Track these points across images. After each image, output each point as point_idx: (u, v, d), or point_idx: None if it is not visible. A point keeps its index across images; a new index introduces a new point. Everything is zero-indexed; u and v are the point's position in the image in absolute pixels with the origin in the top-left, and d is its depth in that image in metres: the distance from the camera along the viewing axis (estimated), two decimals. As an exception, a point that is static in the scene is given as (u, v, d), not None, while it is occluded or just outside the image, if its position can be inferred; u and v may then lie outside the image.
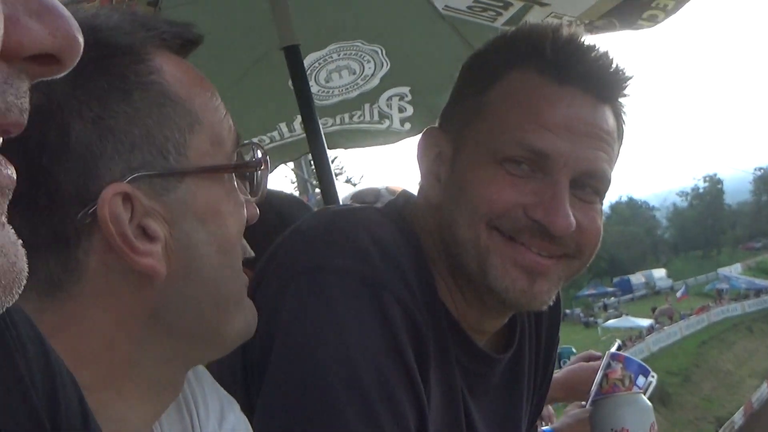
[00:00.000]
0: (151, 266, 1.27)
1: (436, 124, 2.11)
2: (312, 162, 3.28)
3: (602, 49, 1.90)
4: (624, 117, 1.96)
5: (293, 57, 3.11)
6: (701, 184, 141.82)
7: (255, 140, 4.05)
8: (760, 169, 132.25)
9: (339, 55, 3.80)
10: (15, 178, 0.66)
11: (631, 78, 1.94)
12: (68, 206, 1.26)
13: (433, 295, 1.91)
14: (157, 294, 1.32)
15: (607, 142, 1.88)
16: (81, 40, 0.65)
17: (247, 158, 1.47)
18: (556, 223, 1.78)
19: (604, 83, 1.89)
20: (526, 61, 1.90)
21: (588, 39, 1.92)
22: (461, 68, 2.09)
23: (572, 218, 1.79)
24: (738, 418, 47.70)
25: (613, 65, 1.89)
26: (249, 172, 1.45)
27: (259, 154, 1.49)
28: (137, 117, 1.30)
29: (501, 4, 3.25)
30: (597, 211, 1.91)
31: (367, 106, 4.02)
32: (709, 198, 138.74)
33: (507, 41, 2.03)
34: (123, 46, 1.30)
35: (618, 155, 1.94)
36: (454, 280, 1.97)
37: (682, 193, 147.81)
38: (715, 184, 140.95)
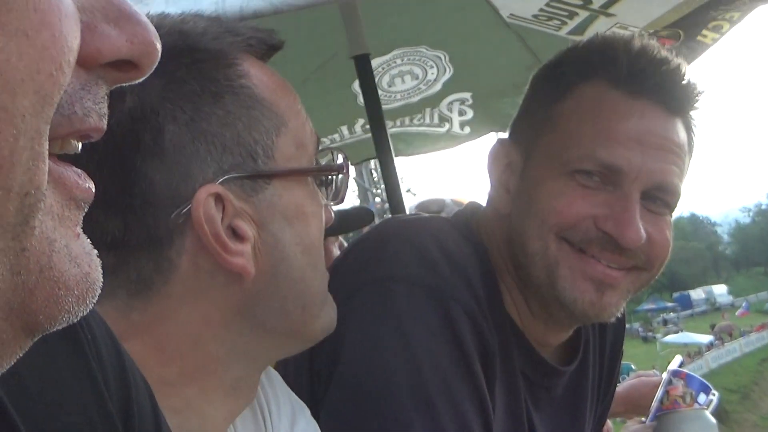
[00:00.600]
0: (242, 266, 1.29)
1: (506, 135, 2.11)
2: (373, 170, 3.27)
3: (674, 62, 1.89)
4: (694, 130, 1.95)
5: (363, 65, 3.14)
6: (765, 201, 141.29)
7: (325, 143, 4.06)
8: None
9: (403, 60, 3.82)
10: (94, 191, 0.65)
11: (702, 92, 1.92)
12: (162, 207, 1.28)
13: (500, 307, 1.92)
14: (244, 293, 1.34)
15: (678, 155, 1.87)
16: (159, 46, 0.66)
17: (325, 162, 1.50)
18: (627, 235, 1.78)
19: (676, 96, 1.88)
20: (599, 74, 1.90)
21: (660, 51, 1.90)
22: (531, 79, 2.09)
23: (643, 231, 1.79)
24: None
25: (685, 78, 1.88)
26: (330, 176, 1.46)
27: (341, 159, 1.51)
28: (228, 120, 1.32)
29: (566, 13, 3.24)
30: (667, 223, 1.90)
31: (428, 110, 4.02)
32: None
33: (579, 53, 2.03)
34: (213, 51, 1.33)
35: (688, 168, 1.93)
36: (520, 292, 1.97)
37: (745, 210, 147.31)
38: None
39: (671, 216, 1.95)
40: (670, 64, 1.88)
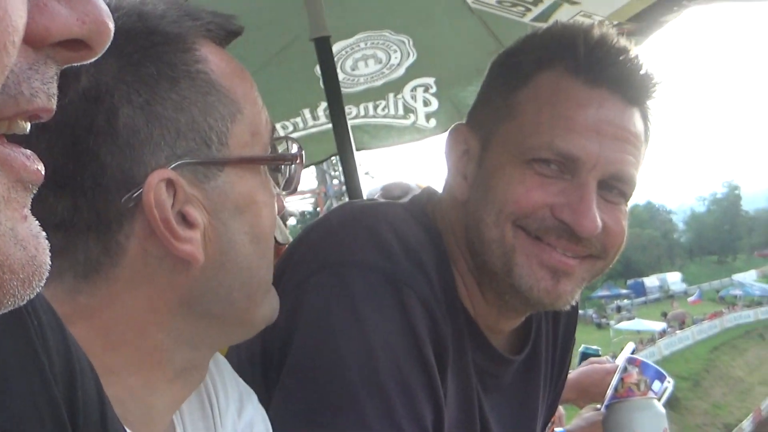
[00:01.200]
0: (191, 253, 1.29)
1: (464, 122, 2.12)
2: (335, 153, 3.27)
3: (633, 52, 1.91)
4: (651, 120, 1.98)
5: (323, 48, 3.15)
6: (720, 190, 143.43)
7: (278, 125, 4.03)
8: None
9: (366, 44, 3.82)
10: (43, 173, 0.65)
11: (660, 82, 1.94)
12: (113, 189, 1.27)
13: (453, 293, 1.93)
14: (191, 280, 1.34)
15: (635, 145, 1.90)
16: (112, 26, 0.66)
17: (281, 150, 1.50)
18: (583, 224, 1.80)
19: (633, 86, 1.90)
20: (557, 62, 1.91)
21: (619, 41, 1.92)
22: (490, 66, 2.10)
23: (599, 220, 1.81)
24: (747, 425, 48.43)
25: (643, 68, 1.90)
26: (284, 165, 1.48)
27: (295, 148, 1.50)
28: (184, 105, 1.32)
29: (533, 2, 3.26)
30: (622, 212, 1.93)
31: (391, 95, 4.04)
32: (726, 204, 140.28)
33: (538, 41, 2.04)
34: (171, 35, 1.33)
35: (644, 158, 1.96)
36: (474, 279, 1.99)
37: (701, 199, 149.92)
38: (732, 191, 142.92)
39: (627, 205, 1.98)
40: (629, 54, 1.90)
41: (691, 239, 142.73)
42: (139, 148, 1.28)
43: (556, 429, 3.10)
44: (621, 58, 1.89)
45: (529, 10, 3.32)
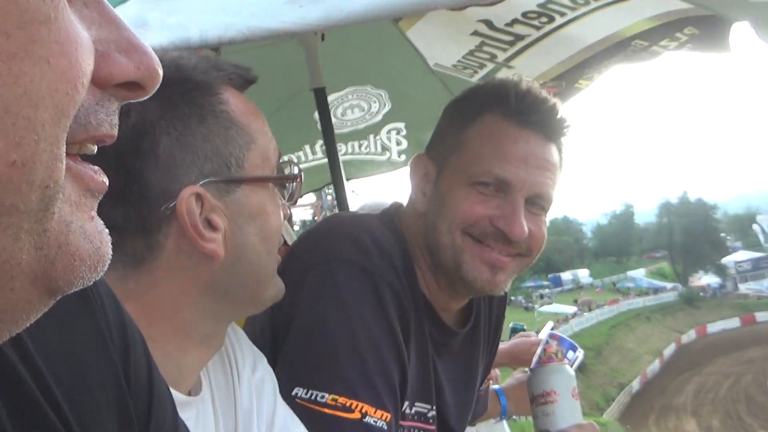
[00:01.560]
0: (214, 250, 1.43)
1: (424, 152, 2.28)
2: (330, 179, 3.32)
3: (551, 101, 2.10)
4: (564, 152, 2.16)
5: (321, 97, 3.29)
6: (618, 208, 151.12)
7: (285, 158, 4.26)
8: (663, 198, 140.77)
9: (353, 96, 4.05)
10: (107, 184, 0.69)
11: (571, 124, 2.13)
12: (154, 201, 1.40)
13: (414, 283, 2.09)
14: (214, 270, 1.47)
15: (552, 171, 2.08)
16: (161, 72, 0.71)
17: (287, 172, 1.62)
18: (514, 231, 2.00)
19: (551, 127, 2.09)
20: (495, 109, 2.07)
21: (541, 92, 2.11)
22: (443, 110, 2.26)
23: (526, 228, 2.01)
24: (635, 384, 50.01)
25: (559, 114, 2.10)
26: (287, 183, 1.60)
27: (296, 170, 1.64)
28: (210, 136, 1.44)
29: (477, 64, 3.41)
30: (543, 222, 2.11)
31: (371, 136, 4.31)
32: (623, 218, 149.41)
33: (481, 91, 2.21)
34: (201, 83, 1.45)
35: (559, 181, 2.14)
36: (431, 272, 2.15)
37: (605, 215, 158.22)
38: (628, 208, 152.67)
39: (546, 216, 2.13)
40: (548, 103, 2.08)
41: (596, 244, 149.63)
42: (175, 170, 1.40)
43: (493, 386, 3.32)
44: (543, 106, 2.07)
45: (476, 72, 3.49)
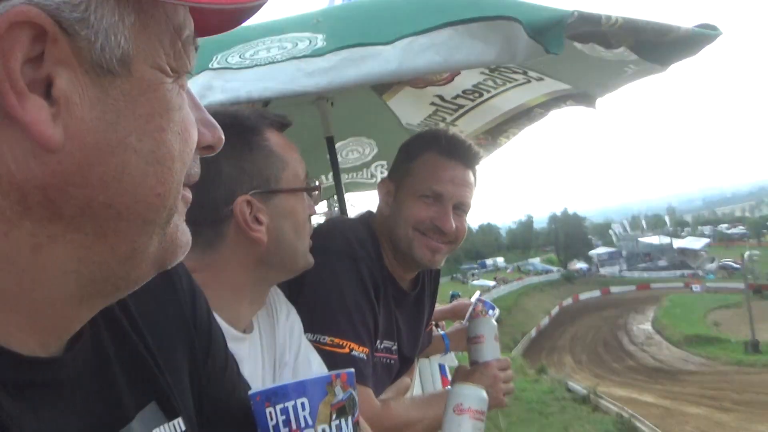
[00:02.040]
0: (260, 238, 1.41)
1: (387, 176, 2.22)
2: (335, 195, 3.34)
3: (468, 142, 2.08)
4: (476, 176, 2.11)
5: (330, 143, 3.20)
6: (523, 218, 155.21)
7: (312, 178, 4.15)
8: (551, 212, 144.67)
9: (353, 144, 3.95)
10: (191, 198, 0.69)
11: (482, 156, 2.13)
12: (220, 206, 1.38)
13: (382, 263, 2.06)
14: (261, 251, 1.44)
15: (470, 188, 2.07)
16: (223, 137, 0.72)
17: (311, 185, 1.56)
18: (446, 227, 2.01)
19: (470, 159, 2.06)
20: (432, 147, 2.04)
21: (461, 136, 2.11)
22: (399, 148, 2.18)
23: (453, 224, 2.02)
24: (533, 333, 51.13)
25: (474, 149, 2.07)
26: (311, 193, 1.54)
27: (317, 183, 1.60)
28: (255, 162, 1.42)
29: (434, 123, 3.27)
30: (464, 220, 2.09)
31: (365, 169, 4.17)
32: (526, 224, 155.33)
33: (421, 136, 2.18)
34: (249, 126, 1.43)
35: (475, 194, 2.11)
36: (392, 254, 2.10)
37: (514, 222, 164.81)
38: (529, 218, 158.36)
39: (466, 216, 2.10)
40: (466, 143, 2.06)
41: (508, 241, 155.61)
42: (232, 185, 1.39)
43: (440, 332, 3.20)
44: (462, 145, 2.05)
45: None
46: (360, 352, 1.84)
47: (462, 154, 2.04)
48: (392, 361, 2.13)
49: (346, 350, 1.81)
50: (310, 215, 1.54)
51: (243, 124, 1.42)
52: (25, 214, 0.54)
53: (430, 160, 2.04)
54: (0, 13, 0.49)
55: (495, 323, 2.24)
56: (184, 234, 0.67)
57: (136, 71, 0.56)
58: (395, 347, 2.12)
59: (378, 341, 2.01)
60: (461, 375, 2.10)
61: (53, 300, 0.58)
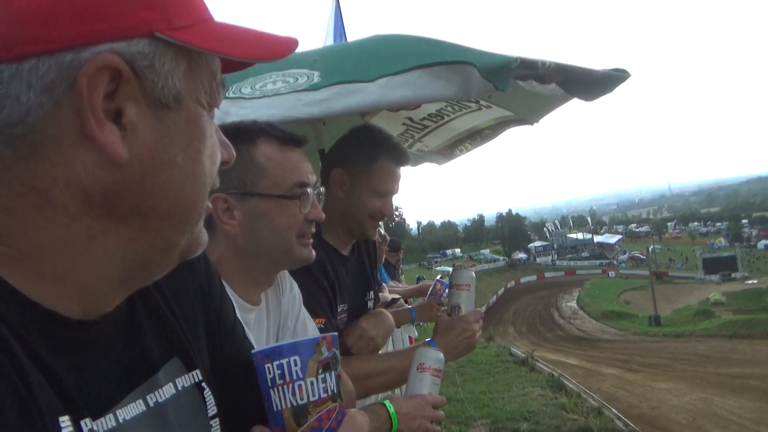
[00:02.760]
0: (230, 230, 1.36)
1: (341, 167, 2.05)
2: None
3: (404, 148, 2.11)
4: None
5: (322, 154, 2.72)
6: (476, 216, 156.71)
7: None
8: (498, 212, 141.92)
9: None
10: (211, 207, 0.77)
11: (410, 159, 2.10)
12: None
13: (320, 238, 1.92)
14: (238, 242, 1.37)
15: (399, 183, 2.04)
16: (235, 153, 0.71)
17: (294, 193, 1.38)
18: (390, 214, 2.00)
19: (407, 162, 2.04)
20: (386, 154, 1.98)
21: (401, 145, 2.09)
22: (353, 141, 2.05)
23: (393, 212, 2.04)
24: (483, 309, 50.59)
25: (408, 155, 2.08)
26: (291, 199, 1.38)
27: (299, 192, 1.39)
28: (236, 167, 1.18)
29: (404, 140, 3.14)
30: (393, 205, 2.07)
31: None
32: (479, 222, 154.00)
33: (379, 143, 2.03)
34: (243, 136, 1.35)
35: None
36: (340, 229, 2.01)
37: (469, 220, 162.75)
38: (481, 217, 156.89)
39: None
40: (403, 149, 2.06)
41: (464, 236, 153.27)
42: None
43: (409, 306, 3.14)
44: (406, 153, 2.05)
45: (406, 141, 3.18)
46: (318, 323, 1.75)
47: (405, 161, 2.04)
48: (343, 320, 2.03)
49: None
50: (311, 219, 1.43)
51: (237, 134, 1.34)
52: (86, 212, 0.56)
53: (385, 166, 1.99)
54: (87, 59, 0.53)
55: (474, 275, 2.13)
56: (202, 233, 0.67)
57: (185, 106, 0.60)
58: (345, 307, 2.04)
59: (337, 307, 1.95)
60: (443, 324, 2.00)
61: (99, 279, 0.60)
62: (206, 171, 0.63)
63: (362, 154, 2.02)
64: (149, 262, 0.63)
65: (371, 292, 2.21)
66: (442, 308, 2.06)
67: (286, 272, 1.61)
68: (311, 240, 1.45)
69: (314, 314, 1.72)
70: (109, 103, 0.55)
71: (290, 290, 1.58)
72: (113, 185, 0.56)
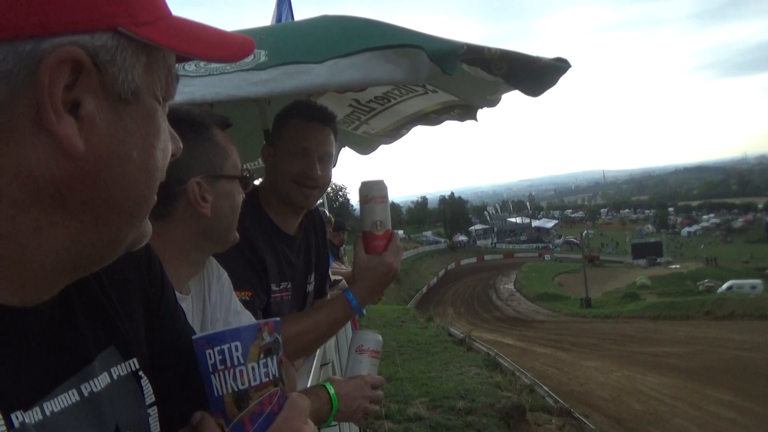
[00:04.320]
0: (206, 213, 1.36)
1: (266, 143, 2.08)
2: None
3: (323, 106, 2.06)
4: (336, 134, 2.02)
5: (267, 133, 2.72)
6: (419, 199, 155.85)
7: (246, 165, 3.95)
8: (440, 194, 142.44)
9: None
10: (156, 199, 0.67)
11: (335, 116, 2.03)
12: (172, 185, 1.32)
13: (262, 217, 1.96)
14: (203, 224, 1.38)
15: (329, 142, 1.98)
16: (182, 146, 0.71)
17: (246, 174, 1.47)
18: (313, 174, 1.92)
19: (326, 118, 1.98)
20: (296, 115, 1.96)
21: (316, 104, 2.09)
22: (273, 120, 2.05)
23: (319, 172, 1.94)
24: (424, 290, 51.30)
25: (328, 111, 2.01)
26: (245, 180, 1.46)
27: (250, 174, 1.51)
28: (205, 152, 1.37)
29: (350, 122, 3.22)
30: (329, 169, 1.99)
31: None
32: (421, 204, 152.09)
33: (289, 107, 2.02)
34: (202, 123, 1.38)
35: (334, 147, 2.01)
36: (277, 202, 1.98)
37: (411, 202, 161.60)
38: (423, 199, 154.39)
39: (331, 165, 2.01)
40: (322, 107, 2.02)
41: (408, 217, 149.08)
42: (183, 169, 1.32)
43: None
44: (320, 108, 2.00)
45: (350, 125, 3.27)
46: (242, 296, 1.72)
47: (319, 116, 1.98)
48: (286, 297, 1.99)
49: (241, 295, 1.73)
50: (243, 198, 1.49)
51: (195, 120, 1.38)
52: (35, 203, 0.55)
53: (295, 125, 1.96)
54: (48, 50, 0.52)
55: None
56: (147, 226, 0.68)
57: (142, 101, 0.60)
58: (289, 285, 2.00)
59: (273, 284, 1.91)
60: (363, 266, 1.82)
61: (44, 270, 0.59)
62: (159, 165, 0.63)
63: (277, 122, 2.01)
64: (95, 254, 0.62)
65: (311, 276, 2.17)
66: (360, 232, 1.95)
67: (213, 261, 1.60)
68: None
69: (239, 287, 1.70)
70: (66, 94, 0.54)
71: (217, 280, 1.57)
72: (67, 177, 0.56)
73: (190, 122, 1.36)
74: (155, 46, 0.59)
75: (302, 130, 1.95)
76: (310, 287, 2.16)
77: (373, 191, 1.84)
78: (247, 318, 1.58)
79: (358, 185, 1.83)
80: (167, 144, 0.66)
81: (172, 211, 1.36)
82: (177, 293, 1.24)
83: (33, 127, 0.53)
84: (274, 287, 1.91)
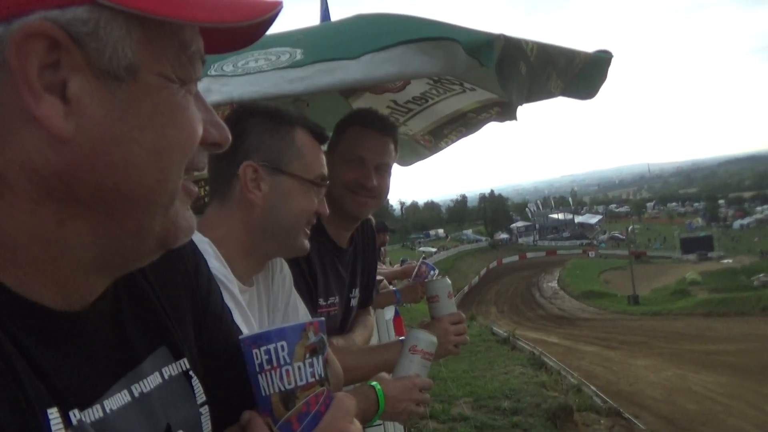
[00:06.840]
0: (254, 200, 1.35)
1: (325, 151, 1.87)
2: None
3: (384, 115, 2.04)
4: (396, 142, 1.97)
5: None
6: (459, 198, 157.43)
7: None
8: (481, 193, 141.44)
9: None
10: (196, 192, 0.66)
11: (396, 127, 2.03)
12: (235, 164, 1.34)
13: (321, 229, 1.89)
14: (258, 214, 1.36)
15: (388, 152, 1.93)
16: (230, 137, 0.67)
17: (317, 181, 1.43)
18: (369, 184, 1.88)
19: (386, 127, 1.95)
20: (356, 122, 1.94)
21: (379, 111, 2.05)
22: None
23: (375, 182, 1.90)
24: (466, 289, 50.67)
25: (389, 120, 2.01)
26: (314, 186, 1.42)
27: (324, 183, 1.45)
28: (275, 142, 1.37)
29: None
30: (387, 178, 1.95)
31: None
32: (461, 202, 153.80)
33: (350, 114, 2.05)
34: (286, 118, 1.40)
35: (393, 160, 1.98)
36: (332, 215, 1.72)
37: (452, 200, 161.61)
38: (464, 197, 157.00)
39: (389, 175, 1.96)
40: (383, 116, 2.01)
41: (448, 216, 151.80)
42: (249, 150, 1.34)
43: (393, 288, 3.18)
44: (380, 117, 1.98)
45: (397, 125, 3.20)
46: None
47: (379, 125, 1.94)
48: (333, 312, 1.96)
49: None
50: (316, 212, 1.44)
51: (282, 114, 1.39)
52: (48, 196, 0.54)
53: (354, 131, 1.93)
54: (16, 27, 0.49)
55: (449, 282, 2.04)
56: (185, 220, 0.64)
57: (141, 78, 0.55)
58: (336, 300, 1.97)
59: (321, 299, 1.88)
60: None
61: (76, 266, 0.59)
62: (174, 147, 0.59)
63: (337, 130, 1.99)
64: (123, 248, 0.61)
65: (356, 290, 2.13)
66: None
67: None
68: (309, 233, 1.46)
69: None
70: (53, 74, 0.51)
71: (280, 271, 1.56)
72: (65, 165, 0.53)
73: (273, 114, 1.38)
74: (142, 15, 0.54)
75: (360, 138, 1.91)
76: (354, 301, 2.13)
77: (433, 290, 1.96)
78: (303, 313, 1.58)
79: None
80: (191, 123, 0.61)
81: (230, 192, 1.36)
82: (242, 285, 1.35)
83: (23, 113, 0.51)
84: (321, 302, 1.89)
